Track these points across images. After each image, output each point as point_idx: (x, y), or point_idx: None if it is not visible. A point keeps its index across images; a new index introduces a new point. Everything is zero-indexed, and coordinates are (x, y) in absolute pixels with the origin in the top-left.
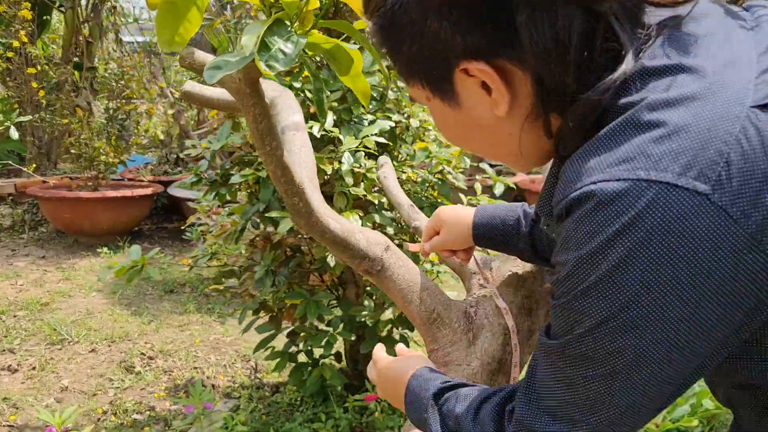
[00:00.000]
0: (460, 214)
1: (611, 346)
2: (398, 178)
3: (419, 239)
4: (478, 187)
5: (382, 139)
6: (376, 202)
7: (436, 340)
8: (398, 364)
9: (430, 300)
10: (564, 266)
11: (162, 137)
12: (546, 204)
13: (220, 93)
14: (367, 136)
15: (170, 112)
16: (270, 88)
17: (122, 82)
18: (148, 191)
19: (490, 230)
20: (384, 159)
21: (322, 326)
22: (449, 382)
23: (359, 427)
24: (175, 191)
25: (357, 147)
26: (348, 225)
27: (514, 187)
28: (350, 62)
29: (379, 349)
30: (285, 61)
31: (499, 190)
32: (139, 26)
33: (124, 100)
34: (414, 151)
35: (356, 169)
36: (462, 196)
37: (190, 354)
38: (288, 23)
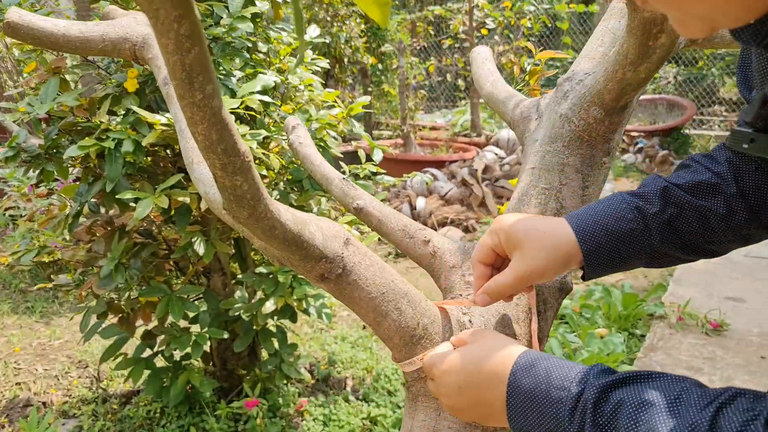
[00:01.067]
0: (541, 227)
1: None
2: (269, 150)
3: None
4: (361, 153)
5: (267, 98)
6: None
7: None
8: (477, 353)
9: (412, 310)
10: None
11: None
12: None
13: (65, 27)
14: (249, 93)
15: None
16: (146, 22)
17: None
18: None
19: (603, 238)
20: (293, 120)
21: (185, 325)
22: (602, 371)
23: None
24: None
25: (237, 108)
26: (300, 215)
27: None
28: None
29: (441, 347)
30: None
31: (377, 156)
32: None
33: None
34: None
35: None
36: (344, 164)
37: (9, 366)
38: None
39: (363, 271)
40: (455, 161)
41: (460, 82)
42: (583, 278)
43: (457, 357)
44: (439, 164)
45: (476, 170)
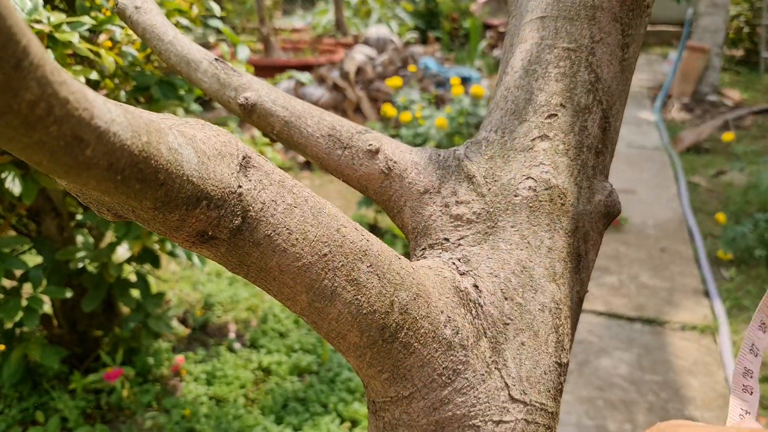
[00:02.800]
0: None
1: None
2: (98, 46)
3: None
4: (225, 49)
5: None
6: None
7: (408, 375)
8: None
9: (378, 280)
10: None
11: None
12: None
13: None
14: None
15: None
16: None
17: None
18: None
19: None
20: None
21: (12, 285)
22: None
23: (98, 412)
24: None
25: None
26: (146, 115)
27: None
28: None
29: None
30: None
31: (243, 54)
32: None
33: None
34: None
35: (35, 26)
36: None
37: None
38: None
39: (282, 218)
40: (323, 64)
41: None
42: None
43: None
44: (306, 68)
45: (348, 73)
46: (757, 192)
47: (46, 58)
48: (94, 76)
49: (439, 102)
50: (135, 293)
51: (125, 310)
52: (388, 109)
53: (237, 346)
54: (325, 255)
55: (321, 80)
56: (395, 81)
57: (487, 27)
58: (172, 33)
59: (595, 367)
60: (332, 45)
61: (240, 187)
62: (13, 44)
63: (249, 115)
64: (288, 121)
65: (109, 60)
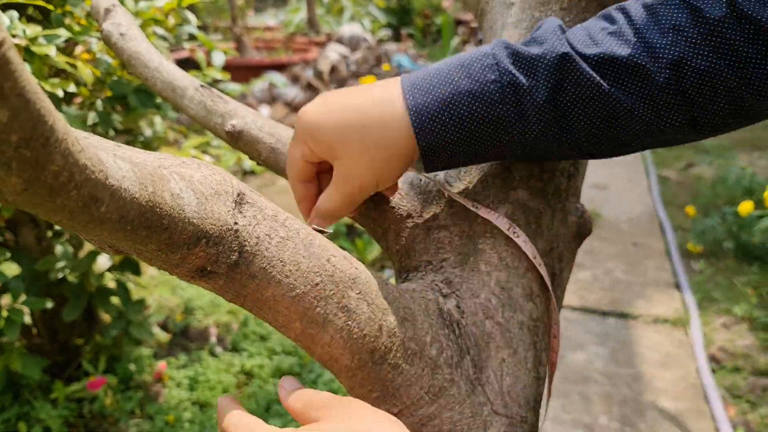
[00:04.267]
0: (356, 118)
1: None
2: (75, 58)
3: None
4: (200, 56)
5: None
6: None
7: (397, 393)
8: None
9: (368, 306)
10: None
11: None
12: None
13: None
14: None
15: None
16: None
17: None
18: None
19: (454, 129)
20: (106, 0)
21: None
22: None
23: (81, 420)
24: None
25: None
26: (149, 160)
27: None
28: None
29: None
30: None
31: (218, 59)
32: None
33: None
34: None
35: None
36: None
37: None
38: None
39: (276, 251)
40: (297, 63)
41: None
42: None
43: None
44: (280, 67)
45: (322, 72)
46: (725, 185)
47: (68, 131)
48: (72, 88)
49: None
50: (115, 301)
51: (106, 317)
52: None
53: (219, 350)
54: (317, 284)
55: (295, 79)
56: (369, 79)
57: (460, 23)
58: (157, 59)
59: (571, 361)
60: (305, 43)
61: (236, 223)
62: (41, 125)
63: (236, 141)
64: (274, 147)
65: (86, 72)
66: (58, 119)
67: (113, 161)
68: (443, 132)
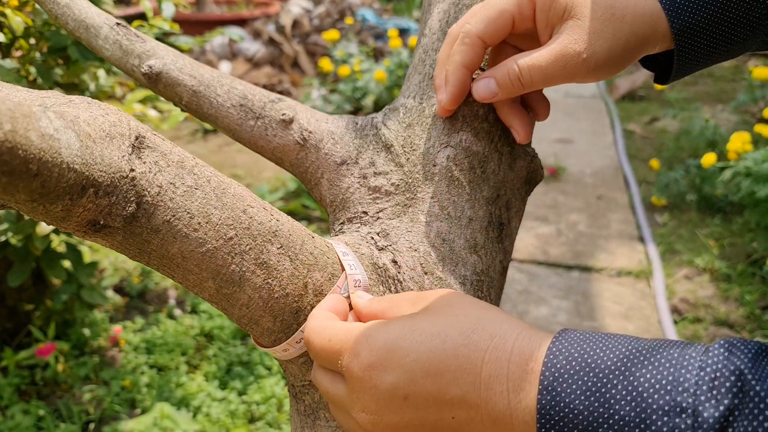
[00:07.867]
0: None
1: None
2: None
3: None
4: (146, 5)
5: None
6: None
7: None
8: (443, 327)
9: (290, 262)
10: None
11: None
12: None
13: None
14: None
15: None
16: None
17: None
18: None
19: (706, 11)
20: None
21: None
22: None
23: (33, 388)
24: None
25: None
26: (23, 95)
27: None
28: None
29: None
30: None
31: (168, 10)
32: None
33: None
34: None
35: None
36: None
37: None
38: None
39: (182, 202)
40: (258, 18)
41: None
42: (660, 82)
43: (396, 331)
44: (241, 23)
45: (284, 26)
46: (689, 138)
47: None
48: (1, 38)
49: (377, 55)
50: (66, 264)
51: (57, 282)
52: (326, 64)
53: (177, 312)
54: (231, 239)
55: (256, 35)
56: (332, 34)
57: None
58: None
59: (534, 316)
60: None
61: (132, 170)
62: None
63: (154, 84)
64: (196, 90)
65: (16, 20)
66: None
67: None
68: (700, 12)
